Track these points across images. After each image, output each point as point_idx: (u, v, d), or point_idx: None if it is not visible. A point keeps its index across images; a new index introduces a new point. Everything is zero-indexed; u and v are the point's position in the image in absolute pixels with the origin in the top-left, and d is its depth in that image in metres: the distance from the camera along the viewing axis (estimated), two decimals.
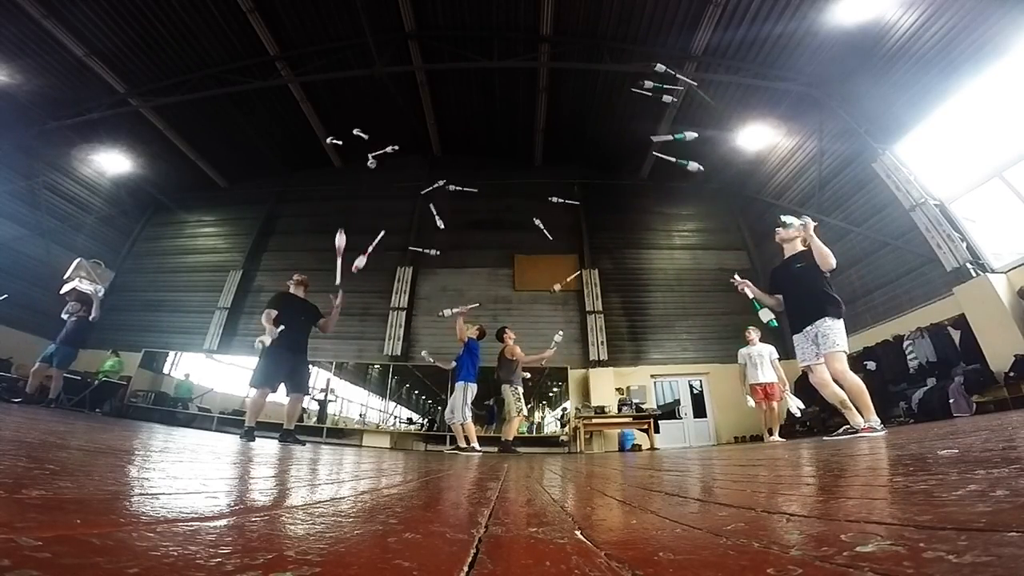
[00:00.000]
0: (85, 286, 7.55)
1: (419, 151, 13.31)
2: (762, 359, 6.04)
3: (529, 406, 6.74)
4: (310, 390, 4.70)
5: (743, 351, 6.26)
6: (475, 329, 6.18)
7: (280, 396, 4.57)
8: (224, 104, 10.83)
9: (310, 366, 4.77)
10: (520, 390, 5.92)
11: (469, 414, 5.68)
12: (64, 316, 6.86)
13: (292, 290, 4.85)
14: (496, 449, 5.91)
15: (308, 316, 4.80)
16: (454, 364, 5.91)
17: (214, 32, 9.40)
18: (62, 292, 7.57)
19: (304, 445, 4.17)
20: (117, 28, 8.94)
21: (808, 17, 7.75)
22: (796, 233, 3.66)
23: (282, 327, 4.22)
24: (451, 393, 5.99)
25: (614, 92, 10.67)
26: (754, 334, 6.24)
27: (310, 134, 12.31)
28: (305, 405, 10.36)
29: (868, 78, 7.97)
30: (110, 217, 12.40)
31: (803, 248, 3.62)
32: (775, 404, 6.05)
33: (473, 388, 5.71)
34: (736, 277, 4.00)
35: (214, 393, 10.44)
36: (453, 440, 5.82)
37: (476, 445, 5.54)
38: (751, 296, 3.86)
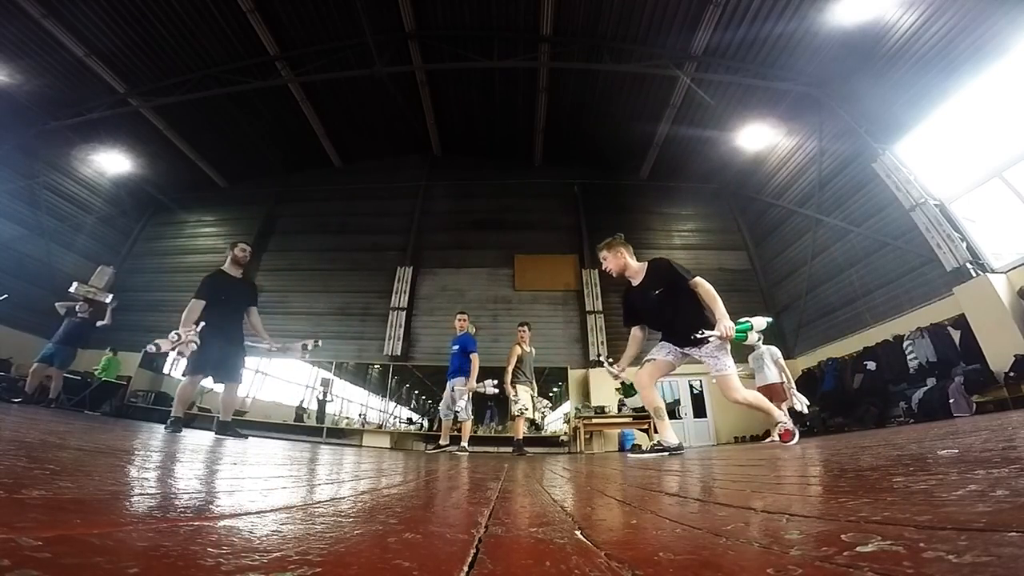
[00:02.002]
0: (101, 297, 7.64)
1: (419, 151, 13.33)
2: (763, 359, 6.04)
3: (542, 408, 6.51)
4: (241, 378, 4.20)
5: (752, 355, 6.28)
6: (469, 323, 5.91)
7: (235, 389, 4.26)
8: (224, 104, 10.84)
9: (245, 353, 4.26)
10: (523, 388, 5.71)
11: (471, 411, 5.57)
12: (59, 309, 6.85)
13: (226, 267, 4.24)
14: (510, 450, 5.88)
15: (243, 298, 4.26)
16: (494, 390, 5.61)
17: (214, 32, 9.41)
18: (75, 291, 7.62)
19: (247, 439, 3.84)
20: (117, 28, 8.94)
21: (808, 17, 7.76)
22: (619, 257, 3.25)
23: (202, 324, 3.68)
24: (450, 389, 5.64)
25: (614, 92, 10.67)
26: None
27: (310, 134, 12.33)
28: (305, 405, 10.43)
29: (868, 78, 7.97)
30: (110, 217, 12.41)
31: (646, 271, 3.24)
32: (783, 406, 6.08)
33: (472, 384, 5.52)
34: (605, 365, 3.48)
35: (213, 393, 10.44)
36: (457, 440, 5.56)
37: (466, 444, 5.45)
38: (616, 377, 3.40)
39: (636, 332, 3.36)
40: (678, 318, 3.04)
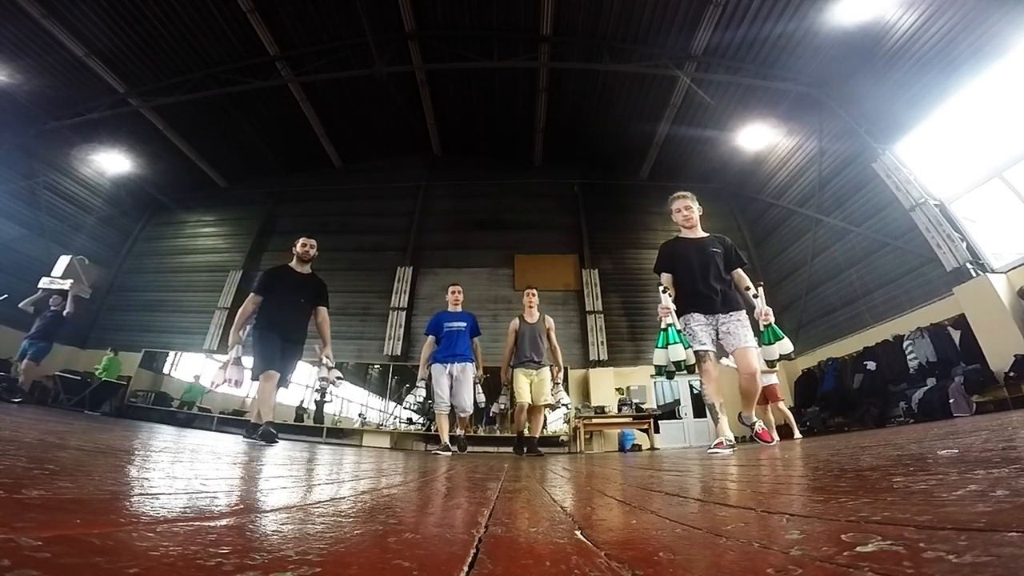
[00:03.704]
0: (58, 285, 7.64)
1: (419, 151, 13.33)
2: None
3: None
4: (290, 384, 3.89)
5: None
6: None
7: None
8: (224, 104, 10.84)
9: (300, 356, 3.98)
10: (520, 374, 4.84)
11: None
12: (27, 308, 6.89)
13: (293, 263, 4.06)
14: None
15: (308, 296, 4.00)
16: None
17: (214, 32, 9.41)
18: (39, 285, 7.64)
19: (276, 443, 3.58)
20: (117, 28, 8.94)
21: (808, 17, 7.76)
22: (697, 210, 3.47)
23: (248, 328, 3.54)
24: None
25: (614, 92, 10.67)
26: None
27: (310, 134, 12.33)
28: (305, 404, 10.42)
29: (868, 78, 7.97)
30: (110, 217, 12.41)
31: (706, 234, 3.47)
32: (780, 405, 6.12)
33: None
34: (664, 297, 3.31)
35: (214, 393, 10.46)
36: (456, 439, 5.05)
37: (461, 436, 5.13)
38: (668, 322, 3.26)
39: (667, 276, 3.55)
40: (719, 281, 3.30)
